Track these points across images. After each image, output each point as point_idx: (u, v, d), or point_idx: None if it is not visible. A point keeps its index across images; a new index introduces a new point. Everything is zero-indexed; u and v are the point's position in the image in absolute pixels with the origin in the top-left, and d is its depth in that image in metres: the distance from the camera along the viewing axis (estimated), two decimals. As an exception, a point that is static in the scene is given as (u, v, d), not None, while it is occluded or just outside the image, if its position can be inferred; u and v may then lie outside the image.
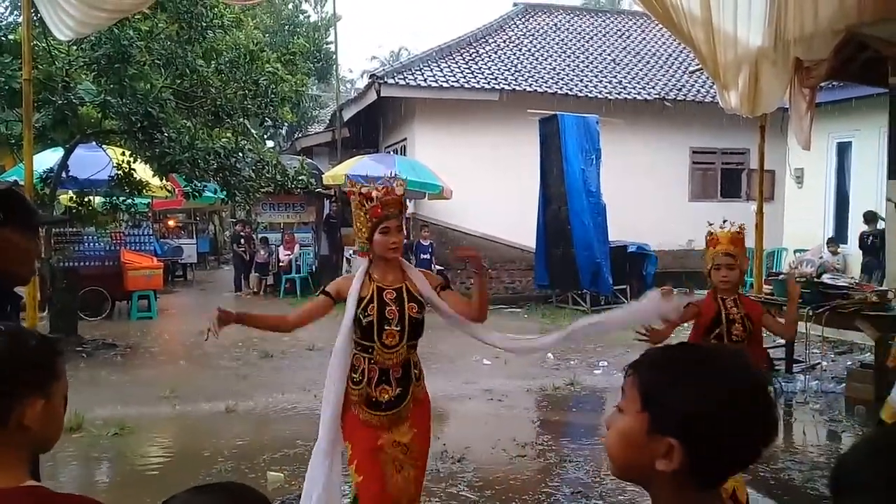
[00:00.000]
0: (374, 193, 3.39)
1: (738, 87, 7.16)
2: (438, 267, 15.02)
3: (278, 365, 9.13)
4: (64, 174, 9.96)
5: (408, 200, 16.62)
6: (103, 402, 6.85)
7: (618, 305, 13.85)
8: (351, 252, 14.31)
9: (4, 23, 9.59)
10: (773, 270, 11.56)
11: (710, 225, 4.15)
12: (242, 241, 18.11)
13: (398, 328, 3.30)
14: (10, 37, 8.88)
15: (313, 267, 17.43)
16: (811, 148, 7.76)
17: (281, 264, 16.99)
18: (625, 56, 18.40)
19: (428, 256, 14.67)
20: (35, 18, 6.47)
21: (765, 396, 1.21)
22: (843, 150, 12.61)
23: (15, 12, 15.92)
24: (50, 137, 9.98)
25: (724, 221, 4.10)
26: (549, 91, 15.77)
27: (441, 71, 16.03)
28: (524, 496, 4.84)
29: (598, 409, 7.66)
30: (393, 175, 3.64)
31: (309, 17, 36.02)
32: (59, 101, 9.21)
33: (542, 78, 16.39)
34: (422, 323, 3.39)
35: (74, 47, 9.26)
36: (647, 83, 17.01)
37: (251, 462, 5.41)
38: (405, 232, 3.72)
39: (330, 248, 17.58)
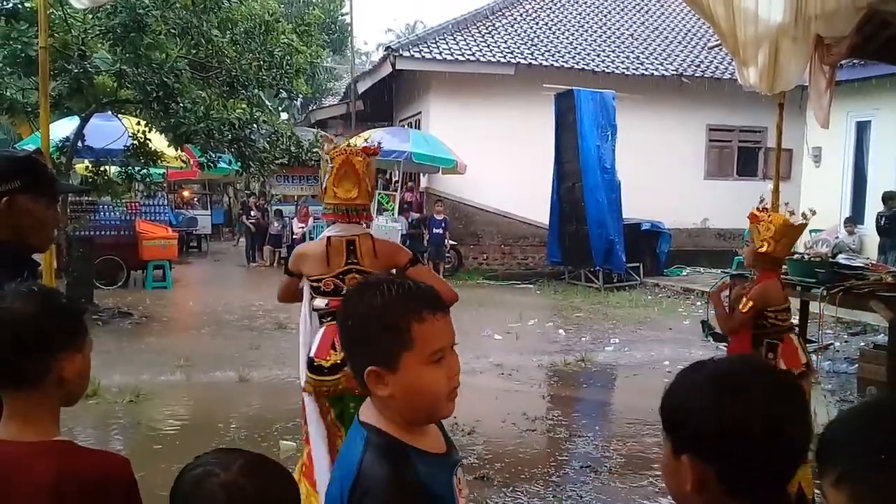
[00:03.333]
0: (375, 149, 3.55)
1: (757, 64, 7.06)
2: (451, 242, 15.04)
3: (291, 335, 9.18)
4: (80, 143, 10.00)
5: (421, 174, 16.66)
6: (119, 369, 6.93)
7: (630, 283, 13.86)
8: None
9: (21, -10, 9.57)
10: (788, 250, 11.49)
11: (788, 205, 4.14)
12: (252, 212, 18.17)
13: None
14: (27, 4, 8.87)
15: (327, 240, 17.45)
16: (829, 126, 7.66)
17: (294, 236, 17.04)
18: (643, 31, 18.19)
19: (441, 231, 14.67)
20: (51, -14, 6.45)
21: (784, 407, 1.18)
22: (862, 128, 12.47)
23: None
24: (66, 106, 10.02)
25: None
26: (566, 66, 15.64)
27: (456, 44, 15.92)
28: (533, 469, 4.88)
29: (608, 386, 7.69)
30: (378, 144, 3.70)
31: (324, -13, 35.79)
32: (75, 70, 9.22)
33: (558, 52, 16.25)
34: None
35: (90, 16, 9.25)
36: (665, 59, 16.83)
37: (263, 431, 5.48)
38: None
39: (343, 220, 17.58)
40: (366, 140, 3.75)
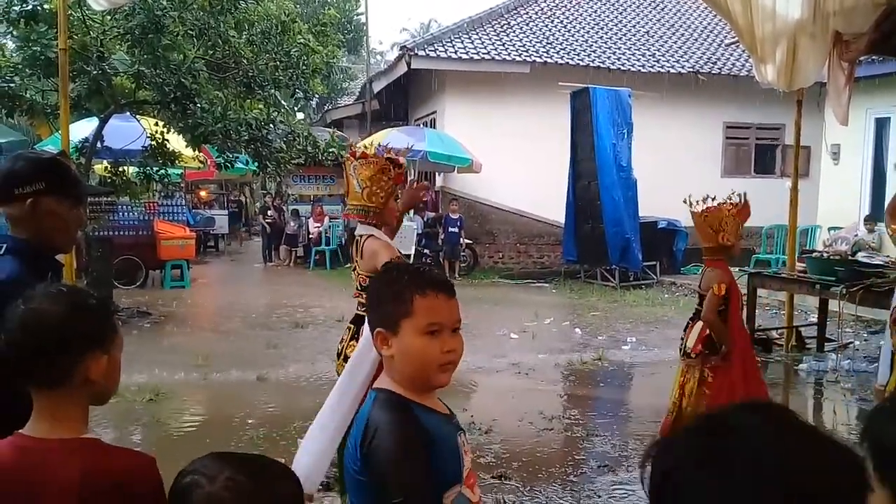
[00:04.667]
0: (401, 160, 3.52)
1: (775, 61, 7.04)
2: (467, 241, 15.04)
3: (308, 335, 9.24)
4: (99, 144, 10.08)
5: (436, 173, 16.67)
6: (138, 368, 6.99)
7: (647, 281, 13.80)
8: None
9: (41, -8, 9.66)
10: (807, 248, 11.42)
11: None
12: (269, 212, 18.27)
13: None
14: (47, 6, 8.95)
15: (342, 239, 17.52)
16: (849, 123, 7.61)
17: (311, 236, 17.10)
18: (659, 28, 18.10)
19: (456, 230, 14.68)
20: (71, -11, 6.51)
21: None
22: (882, 125, 12.35)
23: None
24: (85, 107, 10.10)
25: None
26: (581, 64, 15.59)
27: (472, 43, 15.91)
28: (551, 468, 4.88)
29: (625, 385, 7.67)
30: (409, 146, 3.75)
31: (340, -13, 35.89)
32: (94, 71, 9.29)
33: (574, 50, 16.20)
34: None
35: (109, 17, 9.32)
36: (682, 56, 16.74)
37: (282, 430, 5.50)
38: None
39: (359, 220, 17.65)
40: (380, 144, 3.79)
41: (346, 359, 3.36)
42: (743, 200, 4.48)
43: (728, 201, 4.49)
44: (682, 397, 4.55)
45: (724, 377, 4.45)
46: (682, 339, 4.66)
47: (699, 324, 4.49)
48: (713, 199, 4.51)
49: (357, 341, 3.20)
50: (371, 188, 3.53)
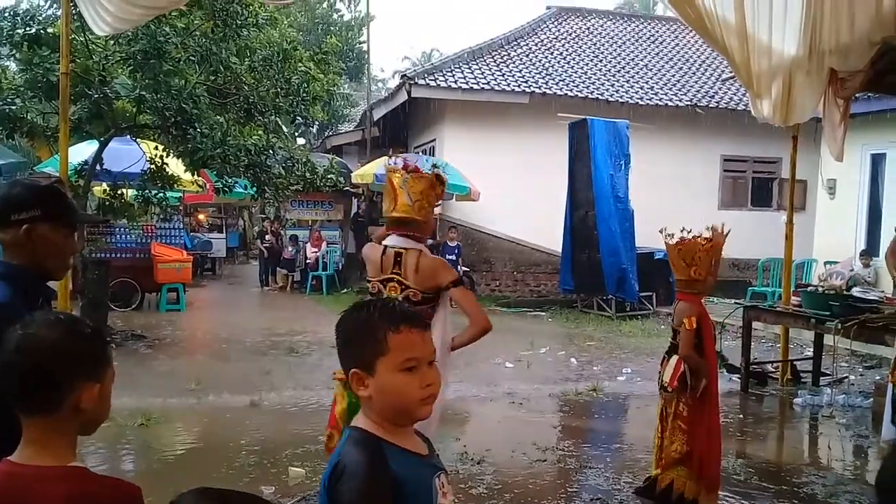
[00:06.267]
0: (445, 178, 3.75)
1: (771, 97, 7.10)
2: (464, 268, 15.05)
3: (303, 360, 9.21)
4: (98, 167, 10.12)
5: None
6: (131, 392, 6.95)
7: (643, 312, 13.80)
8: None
9: (44, 16, 9.72)
10: (803, 282, 11.44)
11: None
12: (267, 237, 18.31)
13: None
14: (50, 30, 9.03)
15: (340, 265, 17.54)
16: (844, 159, 7.67)
17: (308, 261, 17.11)
18: (657, 62, 18.29)
19: (454, 258, 14.68)
20: (74, 13, 6.58)
21: None
22: (877, 161, 12.44)
23: (54, 6, 16.19)
24: (85, 130, 10.16)
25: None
26: (580, 95, 15.73)
27: (472, 73, 16.05)
28: (543, 501, 4.84)
29: (620, 416, 7.63)
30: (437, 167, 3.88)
31: (343, 16, 36.33)
32: (96, 95, 9.36)
33: (573, 82, 16.35)
34: None
35: (111, 42, 9.40)
36: (679, 89, 16.90)
37: (273, 457, 5.47)
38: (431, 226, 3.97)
39: (357, 246, 17.68)
40: (397, 160, 3.99)
41: None
42: (714, 234, 4.44)
43: (701, 235, 4.47)
44: (663, 431, 4.53)
45: (700, 411, 4.42)
46: (660, 373, 4.65)
47: (674, 358, 4.47)
48: (689, 232, 4.50)
49: None
50: (422, 201, 3.62)
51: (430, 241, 16.37)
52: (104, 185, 10.97)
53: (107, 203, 11.05)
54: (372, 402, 1.59)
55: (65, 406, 1.47)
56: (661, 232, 4.63)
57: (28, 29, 8.91)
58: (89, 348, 1.52)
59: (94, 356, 1.53)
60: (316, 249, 17.01)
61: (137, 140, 10.99)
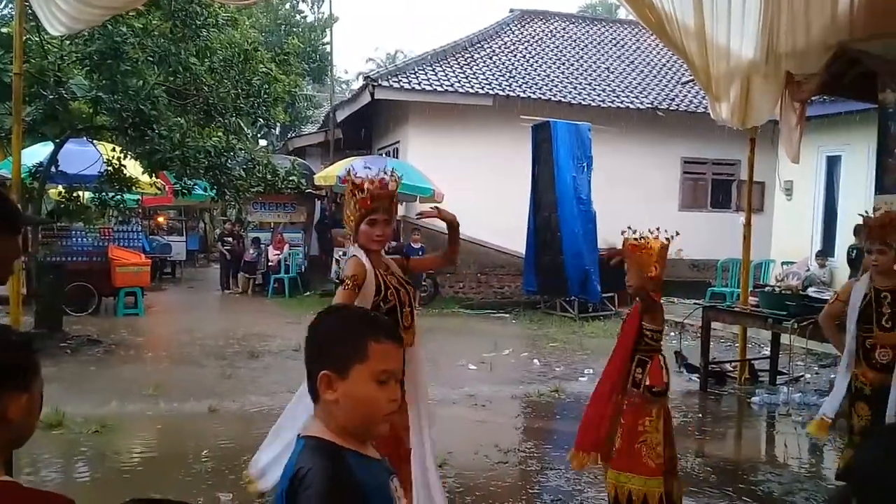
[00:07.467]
0: (366, 185, 3.51)
1: (729, 99, 7.21)
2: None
3: (265, 365, 9.11)
4: (54, 169, 9.92)
5: (399, 203, 16.68)
6: (85, 398, 6.81)
7: (605, 313, 13.90)
8: (341, 253, 14.29)
9: (-3, 16, 9.56)
10: (761, 282, 11.61)
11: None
12: (228, 239, 18.09)
13: (409, 309, 3.54)
14: (3, 30, 8.84)
15: (302, 267, 17.40)
16: (801, 161, 7.80)
17: (270, 264, 16.95)
18: (618, 65, 18.47)
19: (417, 260, 14.64)
20: (28, 12, 6.43)
21: None
22: (833, 163, 12.69)
23: (10, 6, 15.83)
24: (40, 132, 9.95)
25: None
26: (543, 97, 15.81)
27: (436, 74, 16.05)
28: (505, 502, 4.84)
29: (581, 417, 7.65)
30: (389, 171, 3.71)
31: (306, 17, 36.08)
32: (51, 96, 9.18)
33: (535, 84, 16.43)
34: None
35: (67, 42, 9.23)
36: (640, 92, 17.07)
37: (231, 463, 5.38)
38: (393, 228, 3.82)
39: (320, 248, 17.57)
40: (346, 170, 3.85)
41: None
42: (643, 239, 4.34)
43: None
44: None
45: (637, 410, 4.43)
46: (637, 379, 4.63)
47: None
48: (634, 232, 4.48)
49: None
50: (346, 212, 3.61)
51: (393, 244, 16.24)
52: (60, 187, 10.76)
53: (62, 206, 10.83)
54: (336, 407, 1.56)
55: None
56: (622, 234, 4.63)
57: (-20, 29, 8.71)
58: (16, 356, 1.46)
59: (22, 366, 1.46)
60: (278, 252, 16.85)
61: (94, 142, 10.79)
